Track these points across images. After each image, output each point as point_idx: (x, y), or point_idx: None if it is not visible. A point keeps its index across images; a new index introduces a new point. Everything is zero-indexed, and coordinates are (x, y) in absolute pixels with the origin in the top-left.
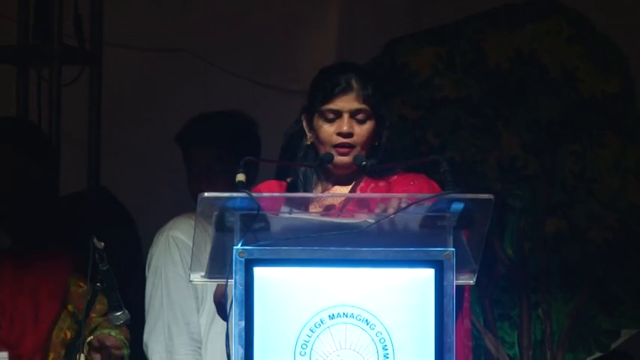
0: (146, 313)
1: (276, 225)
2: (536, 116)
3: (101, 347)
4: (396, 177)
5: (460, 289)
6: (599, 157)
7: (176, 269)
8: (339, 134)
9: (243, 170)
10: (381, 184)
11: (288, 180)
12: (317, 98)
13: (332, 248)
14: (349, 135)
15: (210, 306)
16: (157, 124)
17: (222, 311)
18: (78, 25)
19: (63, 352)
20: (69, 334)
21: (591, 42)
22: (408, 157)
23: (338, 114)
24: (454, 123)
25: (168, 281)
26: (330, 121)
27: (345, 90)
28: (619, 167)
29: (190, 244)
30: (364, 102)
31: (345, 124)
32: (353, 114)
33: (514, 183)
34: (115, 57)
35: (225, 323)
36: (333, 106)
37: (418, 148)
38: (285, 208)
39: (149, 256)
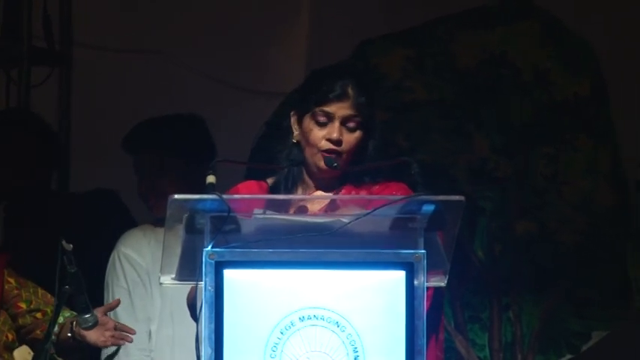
0: None
1: (246, 227)
2: (507, 119)
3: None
4: (377, 187)
5: (436, 307)
6: (571, 159)
7: (119, 283)
8: (329, 140)
9: (213, 172)
10: (362, 193)
11: (269, 181)
12: (311, 99)
13: (302, 250)
14: (338, 142)
15: (159, 313)
16: (128, 126)
17: (195, 314)
18: (47, 26)
19: (7, 355)
20: (10, 337)
21: (563, 44)
22: (379, 159)
23: (330, 118)
24: (424, 125)
25: (114, 296)
26: (321, 124)
27: (340, 96)
28: (591, 170)
29: (135, 256)
30: (357, 111)
31: (335, 131)
32: (344, 121)
33: (485, 185)
34: (85, 58)
35: (172, 329)
36: (327, 109)
37: (388, 150)
38: (259, 210)
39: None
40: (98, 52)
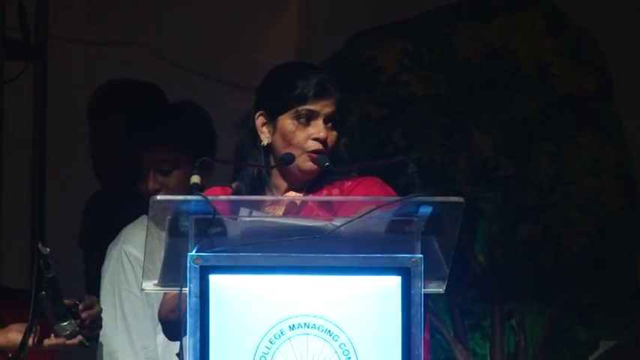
0: (101, 334)
1: (233, 230)
2: (508, 115)
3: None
4: (350, 183)
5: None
6: (575, 157)
7: (130, 289)
8: (316, 139)
9: (198, 172)
10: (335, 191)
11: (233, 186)
12: (287, 98)
13: (293, 254)
14: (326, 141)
15: None
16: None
17: (170, 329)
18: (22, 17)
19: None
20: None
21: (566, 36)
22: (373, 157)
23: (314, 116)
24: (422, 122)
25: (122, 302)
26: (304, 123)
27: (322, 93)
28: (596, 169)
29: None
30: (337, 107)
31: (322, 130)
32: (327, 119)
33: (485, 185)
34: (62, 51)
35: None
36: (311, 107)
37: (384, 148)
38: (244, 211)
39: (102, 270)
40: (75, 45)
